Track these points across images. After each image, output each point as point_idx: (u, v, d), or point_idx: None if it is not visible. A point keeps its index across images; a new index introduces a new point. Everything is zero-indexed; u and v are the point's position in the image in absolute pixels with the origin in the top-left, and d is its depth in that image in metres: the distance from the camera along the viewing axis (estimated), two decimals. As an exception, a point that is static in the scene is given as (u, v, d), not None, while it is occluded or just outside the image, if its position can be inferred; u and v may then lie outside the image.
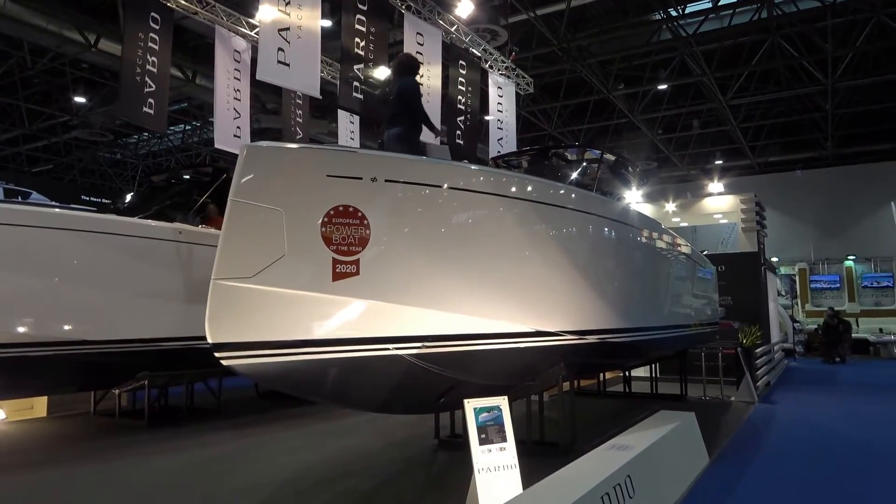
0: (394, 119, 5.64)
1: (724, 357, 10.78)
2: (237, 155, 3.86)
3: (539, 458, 5.18)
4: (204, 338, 8.64)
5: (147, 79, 7.44)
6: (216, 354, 3.65)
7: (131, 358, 7.44)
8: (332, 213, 3.91)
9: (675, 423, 5.54)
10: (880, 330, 22.65)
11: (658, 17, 15.62)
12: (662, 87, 18.12)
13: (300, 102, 9.92)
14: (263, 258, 3.71)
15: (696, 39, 15.89)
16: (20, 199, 14.74)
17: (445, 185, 4.40)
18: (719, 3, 15.21)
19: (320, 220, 3.87)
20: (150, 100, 7.50)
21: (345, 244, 3.94)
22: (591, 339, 5.76)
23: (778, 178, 26.79)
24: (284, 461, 6.12)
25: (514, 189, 4.90)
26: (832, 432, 8.07)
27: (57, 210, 6.95)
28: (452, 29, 9.11)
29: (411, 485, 5.31)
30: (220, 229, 8.02)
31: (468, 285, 4.52)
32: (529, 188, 5.06)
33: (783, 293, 21.44)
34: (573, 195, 5.60)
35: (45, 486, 5.38)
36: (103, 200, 20.94)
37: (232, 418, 8.39)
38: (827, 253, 25.50)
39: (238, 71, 8.68)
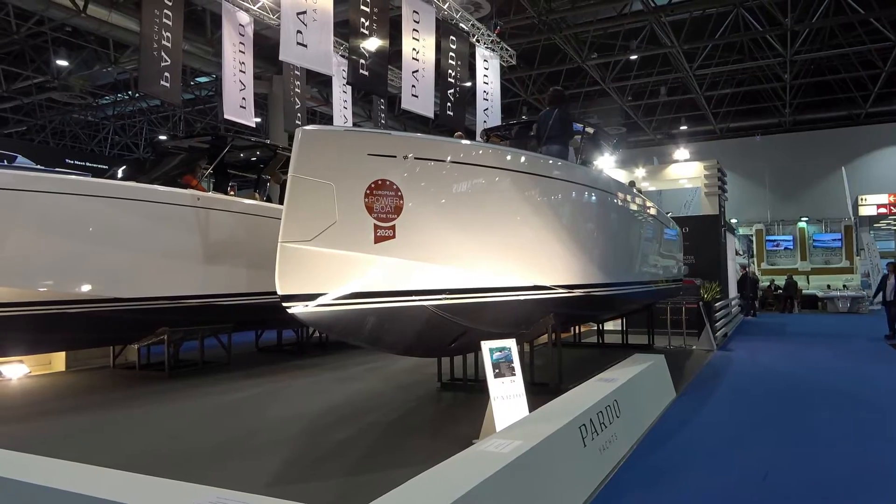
0: (552, 139, 7.09)
1: (687, 311, 11.89)
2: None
3: (533, 395, 6.09)
4: (219, 295, 9.34)
5: (163, 53, 7.90)
6: (284, 305, 4.38)
7: (153, 314, 8.09)
8: (372, 185, 4.64)
9: (648, 362, 6.51)
10: (828, 286, 24.32)
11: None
12: (633, 57, 18.88)
13: (298, 74, 10.41)
14: (319, 224, 4.44)
15: (666, 11, 16.63)
16: (6, 163, 14.91)
17: (462, 161, 5.15)
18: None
19: (363, 192, 4.60)
20: (166, 73, 7.98)
21: (383, 212, 4.68)
22: (578, 292, 6.65)
23: (738, 143, 28.09)
24: (308, 401, 6.94)
25: (518, 163, 5.68)
26: (778, 372, 9.28)
27: (87, 178, 7.47)
28: (445, 6, 9.69)
29: (427, 417, 6.19)
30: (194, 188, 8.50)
31: (480, 246, 5.33)
32: (530, 162, 5.85)
33: (741, 252, 22.80)
34: (565, 168, 6.42)
35: (100, 425, 6.02)
36: (87, 164, 20.95)
37: (243, 369, 9.10)
38: (782, 214, 27.04)
39: (243, 45, 9.14)
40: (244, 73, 9.17)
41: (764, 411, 6.62)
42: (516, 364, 5.10)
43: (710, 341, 11.68)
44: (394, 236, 4.73)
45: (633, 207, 8.43)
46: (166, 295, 8.11)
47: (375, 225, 4.65)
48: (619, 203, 7.84)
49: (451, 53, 10.05)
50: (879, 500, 4.09)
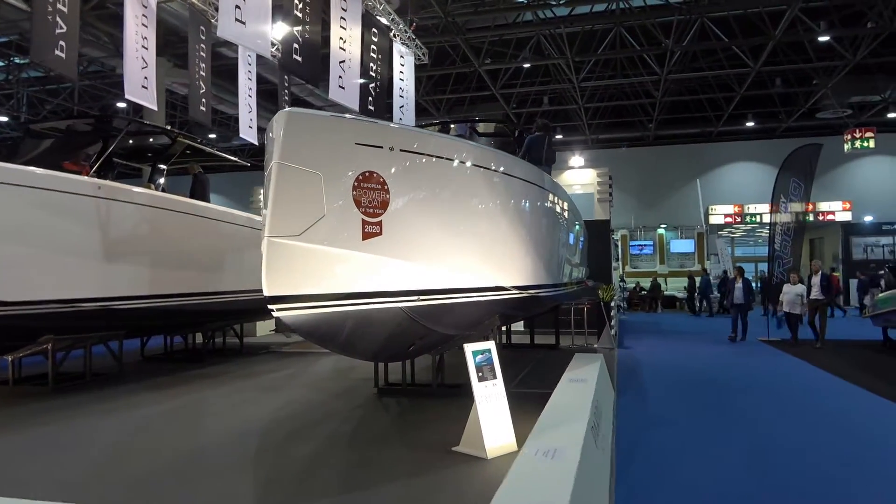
0: (548, 161, 7.96)
1: (584, 311, 12.40)
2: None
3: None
4: (119, 298, 8.31)
5: (58, 19, 6.84)
6: (269, 307, 3.89)
7: (39, 320, 6.99)
8: (360, 177, 4.28)
9: (596, 362, 6.63)
10: (685, 288, 26.62)
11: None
12: (527, 65, 19.49)
13: (203, 56, 9.52)
14: (308, 218, 4.01)
15: (556, 24, 17.32)
16: None
17: (443, 157, 4.92)
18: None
19: (351, 184, 4.23)
20: (62, 42, 6.89)
21: (371, 207, 4.33)
22: (526, 293, 6.65)
23: (606, 153, 29.98)
24: (242, 414, 6.29)
25: (507, 166, 5.58)
26: (682, 367, 10.04)
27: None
28: (371, -3, 9.35)
29: (386, 426, 5.80)
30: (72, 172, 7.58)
31: (457, 244, 5.12)
32: (519, 168, 5.80)
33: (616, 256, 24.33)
34: (534, 169, 6.42)
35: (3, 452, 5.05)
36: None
37: (138, 381, 8.12)
38: (644, 221, 29.25)
39: (146, 17, 8.15)
40: (147, 49, 8.20)
41: (696, 402, 7.04)
42: (496, 367, 4.94)
43: (611, 340, 12.24)
44: (381, 233, 4.40)
45: (569, 212, 8.64)
46: (56, 298, 7.04)
47: (363, 220, 4.30)
48: (562, 209, 8.00)
49: (372, 47, 9.70)
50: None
